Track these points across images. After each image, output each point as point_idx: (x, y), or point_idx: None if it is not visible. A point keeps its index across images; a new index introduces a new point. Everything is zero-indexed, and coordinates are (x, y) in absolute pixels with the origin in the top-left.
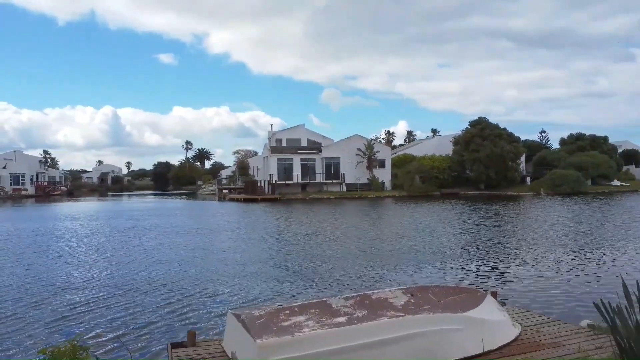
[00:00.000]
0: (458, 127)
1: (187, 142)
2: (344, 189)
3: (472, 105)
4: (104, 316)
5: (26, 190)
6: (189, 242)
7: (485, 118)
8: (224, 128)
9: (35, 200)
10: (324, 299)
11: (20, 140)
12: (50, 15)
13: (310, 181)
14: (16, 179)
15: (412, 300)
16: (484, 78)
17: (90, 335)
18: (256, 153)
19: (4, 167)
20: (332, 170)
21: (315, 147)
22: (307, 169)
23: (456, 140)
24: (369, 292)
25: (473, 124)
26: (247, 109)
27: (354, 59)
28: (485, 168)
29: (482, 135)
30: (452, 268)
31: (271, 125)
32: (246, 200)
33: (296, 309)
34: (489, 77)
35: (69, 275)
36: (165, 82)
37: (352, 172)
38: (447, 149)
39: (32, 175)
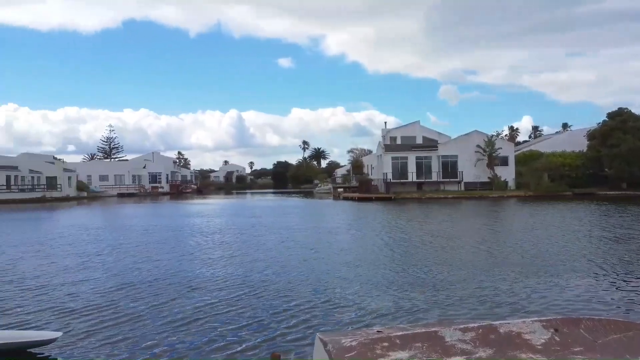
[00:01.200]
0: (592, 120)
1: (304, 142)
2: (462, 188)
3: (609, 96)
4: (221, 321)
5: (162, 188)
6: (305, 242)
7: (626, 109)
8: (339, 128)
9: (169, 197)
10: (434, 328)
11: (160, 143)
12: (184, 28)
13: (426, 180)
14: (154, 177)
15: (555, 337)
16: (622, 65)
17: (206, 341)
18: (370, 151)
19: (144, 167)
20: (450, 168)
21: (431, 144)
22: (423, 167)
23: (592, 134)
24: (495, 322)
25: (612, 115)
26: (363, 108)
27: (472, 53)
28: (627, 165)
29: (623, 128)
30: (608, 289)
31: (385, 123)
32: (360, 199)
33: (397, 340)
34: (628, 64)
35: (191, 273)
36: (285, 85)
37: (471, 171)
38: (580, 145)
39: (167, 175)
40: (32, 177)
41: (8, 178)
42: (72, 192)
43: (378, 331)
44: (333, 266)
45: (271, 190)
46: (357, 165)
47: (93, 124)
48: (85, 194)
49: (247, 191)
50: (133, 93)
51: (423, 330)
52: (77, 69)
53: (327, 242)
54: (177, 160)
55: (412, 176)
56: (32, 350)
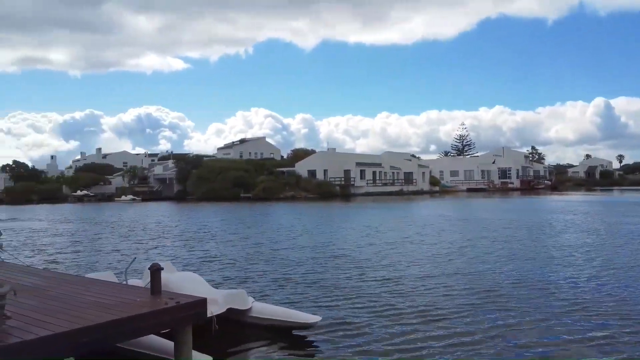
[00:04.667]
0: None
1: None
2: None
3: None
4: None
5: (512, 183)
6: None
7: None
8: None
9: (519, 193)
10: None
11: (515, 139)
12: (541, 17)
13: None
14: (503, 173)
15: None
16: None
17: None
18: None
19: (493, 162)
20: None
21: None
22: None
23: None
24: None
25: None
26: None
27: None
28: None
29: None
30: None
31: None
32: None
33: None
34: None
35: (553, 275)
36: None
37: None
38: None
39: (518, 170)
40: (393, 173)
41: (374, 173)
42: (425, 186)
43: None
44: None
45: None
46: None
47: (451, 124)
48: (437, 189)
49: (614, 188)
50: (488, 91)
51: None
52: (437, 75)
53: None
54: (530, 155)
55: None
56: (296, 332)
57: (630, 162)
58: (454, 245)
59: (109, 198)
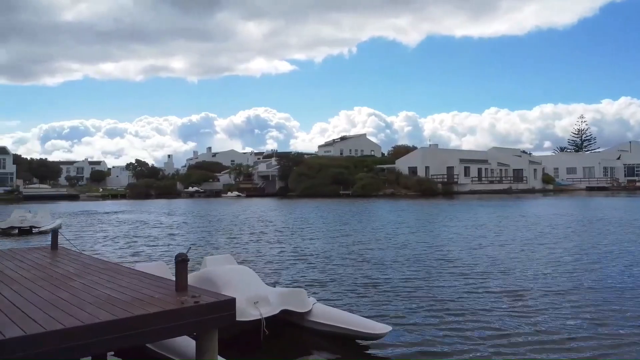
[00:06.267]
0: None
1: None
2: None
3: None
4: None
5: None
6: None
7: None
8: None
9: None
10: None
11: None
12: None
13: None
14: (630, 170)
15: None
16: None
17: None
18: None
19: (618, 158)
20: None
21: None
22: None
23: None
24: None
25: None
26: None
27: None
28: None
29: None
30: None
31: None
32: None
33: None
34: None
35: None
36: None
37: None
38: None
39: None
40: (500, 170)
41: (479, 170)
42: (537, 184)
43: None
44: None
45: None
46: None
47: (569, 119)
48: (551, 187)
49: None
50: (612, 81)
51: None
52: (551, 67)
53: None
54: None
55: None
56: (361, 342)
57: None
58: (580, 252)
59: (216, 194)
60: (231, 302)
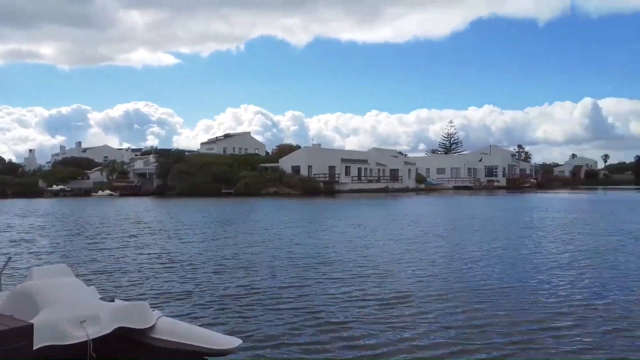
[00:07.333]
0: None
1: None
2: None
3: None
4: None
5: (498, 181)
6: None
7: None
8: None
9: (506, 191)
10: None
11: (504, 138)
12: (533, 18)
13: None
14: (490, 171)
15: None
16: None
17: None
18: None
19: (480, 160)
20: None
21: None
22: None
23: None
24: None
25: None
26: None
27: None
28: None
29: None
30: None
31: None
32: None
33: None
34: None
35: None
36: None
37: None
38: None
39: (504, 168)
40: (379, 170)
41: (359, 170)
42: (411, 183)
43: None
44: None
45: (634, 187)
46: None
47: (441, 123)
48: (423, 186)
49: (599, 187)
50: (478, 91)
51: None
52: (427, 74)
53: None
54: (516, 154)
55: None
56: (209, 358)
57: (615, 161)
58: (455, 251)
59: (86, 193)
60: (27, 329)
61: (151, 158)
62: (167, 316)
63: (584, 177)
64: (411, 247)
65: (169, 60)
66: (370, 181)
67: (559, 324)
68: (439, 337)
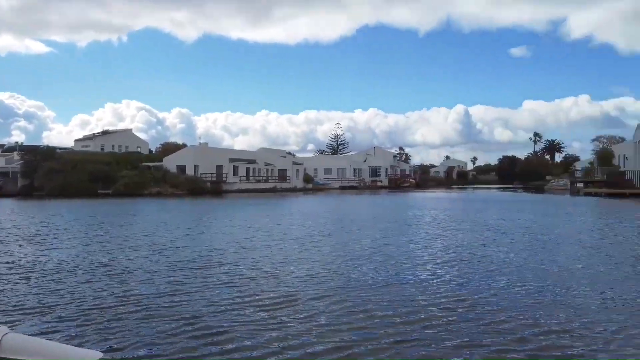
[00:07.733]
0: None
1: (536, 134)
2: None
3: None
4: None
5: (381, 181)
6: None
7: None
8: (583, 119)
9: (388, 191)
10: None
11: (386, 141)
12: (414, 28)
13: None
14: (374, 171)
15: None
16: None
17: None
18: (623, 139)
19: (364, 161)
20: None
21: None
22: None
23: None
24: None
25: None
26: (613, 95)
27: None
28: None
29: None
30: None
31: None
32: (608, 195)
33: None
34: None
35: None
36: (516, 76)
37: None
38: None
39: (387, 169)
40: (267, 169)
41: (248, 170)
42: (299, 183)
43: None
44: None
45: (496, 187)
46: (604, 156)
47: (329, 124)
48: (311, 186)
49: (468, 187)
50: (364, 94)
51: None
52: (316, 76)
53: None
54: (398, 155)
55: None
56: None
57: (482, 163)
58: (343, 249)
59: None
60: None
61: (15, 155)
62: (16, 332)
63: (456, 177)
64: (296, 247)
65: (39, 48)
66: (259, 181)
67: (431, 316)
68: (317, 336)
